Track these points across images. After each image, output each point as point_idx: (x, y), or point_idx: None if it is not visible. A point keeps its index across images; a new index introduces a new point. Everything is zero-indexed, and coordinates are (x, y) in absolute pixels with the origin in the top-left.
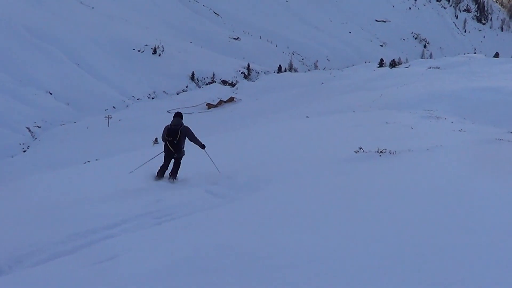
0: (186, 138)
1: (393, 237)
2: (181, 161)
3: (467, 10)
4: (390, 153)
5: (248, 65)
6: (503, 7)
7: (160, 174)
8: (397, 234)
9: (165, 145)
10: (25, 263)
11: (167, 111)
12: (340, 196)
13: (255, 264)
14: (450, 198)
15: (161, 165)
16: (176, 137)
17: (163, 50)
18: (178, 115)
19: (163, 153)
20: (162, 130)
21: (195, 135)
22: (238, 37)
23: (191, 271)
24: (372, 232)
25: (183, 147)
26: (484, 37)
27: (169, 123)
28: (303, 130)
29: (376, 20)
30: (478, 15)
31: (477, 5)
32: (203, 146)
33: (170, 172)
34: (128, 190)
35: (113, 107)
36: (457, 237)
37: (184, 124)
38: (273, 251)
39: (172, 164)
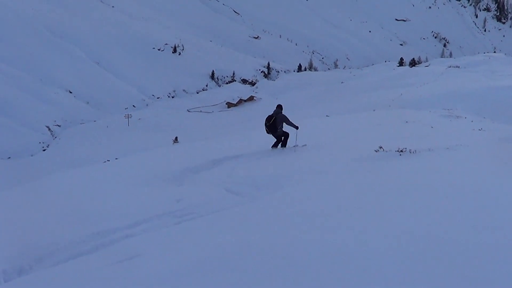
0: (284, 123)
1: (414, 236)
2: (285, 137)
3: (487, 9)
4: (410, 152)
5: (268, 64)
6: None
7: (274, 146)
8: (418, 233)
9: (270, 128)
10: (46, 262)
11: (187, 110)
12: (361, 195)
13: (276, 263)
14: (470, 197)
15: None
16: (269, 121)
17: (183, 49)
18: (278, 107)
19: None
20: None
21: (290, 121)
22: (258, 36)
23: (212, 270)
24: (393, 232)
25: (279, 129)
26: (504, 36)
27: (272, 113)
28: (323, 129)
29: (396, 19)
30: (498, 14)
31: (497, 4)
32: (297, 128)
33: (281, 145)
34: (149, 189)
35: (133, 106)
36: (478, 236)
37: (281, 113)
38: (293, 250)
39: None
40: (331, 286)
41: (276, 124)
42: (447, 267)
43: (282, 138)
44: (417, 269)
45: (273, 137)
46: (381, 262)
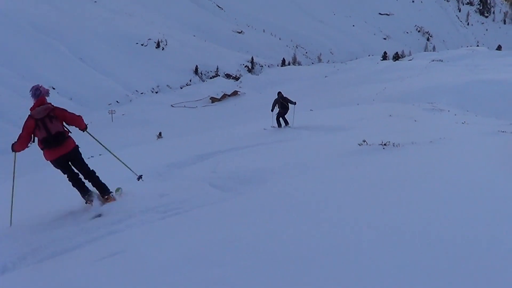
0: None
1: (400, 230)
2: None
3: (470, 3)
4: (393, 145)
5: (252, 58)
6: (505, 0)
7: (279, 124)
8: (405, 227)
9: (282, 107)
10: (29, 260)
11: (171, 105)
12: (346, 189)
13: (262, 259)
14: (454, 190)
15: (276, 118)
16: (285, 102)
17: (166, 44)
18: (281, 92)
19: (277, 115)
20: (273, 102)
21: (290, 99)
22: (241, 31)
23: (197, 266)
24: (379, 225)
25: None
26: (486, 30)
27: (277, 98)
28: (308, 123)
29: (379, 13)
30: (481, 8)
31: None
32: (295, 103)
33: (285, 122)
34: (132, 185)
35: (117, 101)
36: (463, 229)
37: (283, 95)
38: (280, 246)
39: (282, 119)
40: (320, 281)
41: (286, 104)
42: (442, 261)
43: (284, 117)
44: (412, 264)
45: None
46: (375, 257)
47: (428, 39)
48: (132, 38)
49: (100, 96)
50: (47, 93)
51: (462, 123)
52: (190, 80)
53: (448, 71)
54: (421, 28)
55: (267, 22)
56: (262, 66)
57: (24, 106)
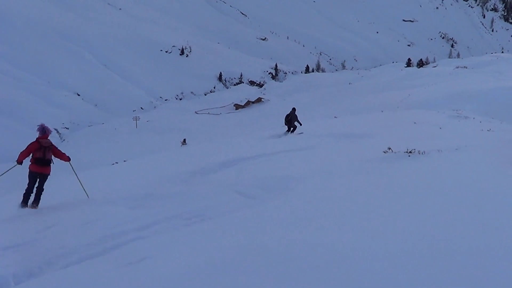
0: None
1: (424, 238)
2: (294, 128)
3: (495, 10)
4: (419, 153)
5: (276, 65)
6: None
7: (287, 132)
8: (429, 235)
9: (288, 122)
10: (56, 265)
11: (195, 112)
12: (371, 196)
13: (286, 266)
14: (481, 198)
15: (286, 130)
16: (288, 118)
17: (190, 51)
18: (293, 109)
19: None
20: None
21: (298, 119)
22: (265, 38)
23: (221, 273)
24: (404, 233)
25: (293, 123)
26: (511, 36)
27: (289, 113)
28: (331, 130)
29: (403, 20)
30: (505, 14)
31: (504, 4)
32: (301, 124)
33: (290, 132)
34: (157, 191)
35: (141, 108)
36: (488, 238)
37: (294, 113)
38: (304, 253)
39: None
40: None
41: (291, 120)
42: (456, 272)
43: (292, 129)
44: (426, 273)
45: (286, 128)
46: (391, 265)
47: (452, 46)
48: (157, 45)
49: (124, 102)
50: (50, 133)
51: (488, 130)
52: (214, 87)
53: (473, 78)
54: (445, 35)
55: (290, 29)
56: (286, 73)
57: (50, 113)
